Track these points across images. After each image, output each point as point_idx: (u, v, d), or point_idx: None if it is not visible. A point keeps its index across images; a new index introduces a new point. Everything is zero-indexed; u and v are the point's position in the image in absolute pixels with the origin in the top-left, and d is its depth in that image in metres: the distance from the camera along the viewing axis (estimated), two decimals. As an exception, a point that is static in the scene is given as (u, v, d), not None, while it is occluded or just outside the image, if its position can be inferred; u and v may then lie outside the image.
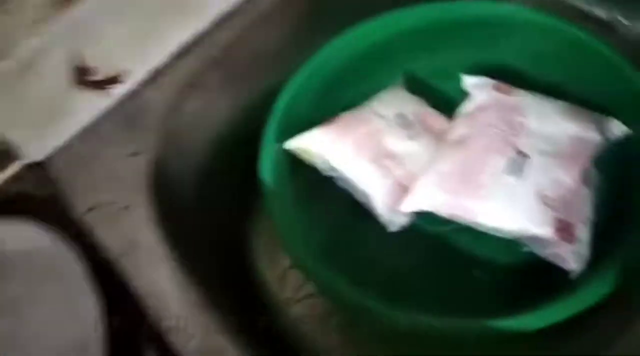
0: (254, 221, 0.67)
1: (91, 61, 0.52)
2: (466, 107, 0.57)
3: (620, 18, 0.70)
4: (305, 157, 0.60)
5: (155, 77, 0.57)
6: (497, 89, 0.57)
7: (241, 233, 0.67)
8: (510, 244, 0.53)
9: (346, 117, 0.61)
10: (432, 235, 0.57)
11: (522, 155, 0.51)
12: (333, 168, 0.59)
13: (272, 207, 0.55)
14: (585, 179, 0.51)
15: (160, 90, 0.57)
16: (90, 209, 0.52)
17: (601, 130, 0.54)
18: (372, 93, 0.66)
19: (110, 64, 0.54)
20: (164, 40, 0.56)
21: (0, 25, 0.46)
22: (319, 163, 0.60)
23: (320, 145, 0.58)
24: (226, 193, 0.64)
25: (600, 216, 0.52)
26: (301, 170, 0.61)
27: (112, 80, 0.55)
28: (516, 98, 0.56)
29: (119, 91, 0.56)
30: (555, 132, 0.53)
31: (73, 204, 0.52)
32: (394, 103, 0.62)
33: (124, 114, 0.56)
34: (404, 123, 0.59)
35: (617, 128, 0.54)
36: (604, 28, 0.70)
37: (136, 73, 0.56)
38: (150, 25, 0.54)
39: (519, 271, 0.54)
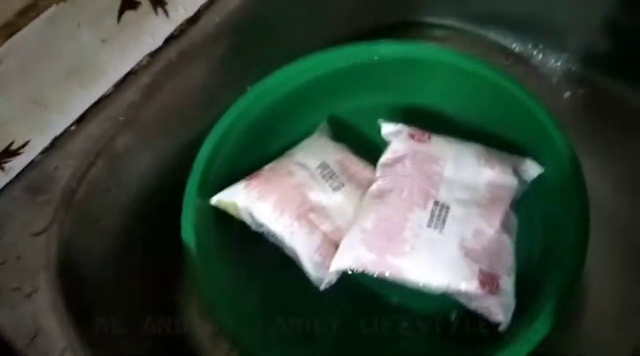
0: (183, 279, 0.65)
1: (-18, 136, 0.48)
2: (385, 157, 0.57)
3: (535, 52, 0.72)
4: (232, 212, 0.58)
5: (57, 146, 0.54)
6: (412, 137, 0.56)
7: (170, 293, 0.65)
8: (442, 296, 0.52)
9: (270, 170, 0.59)
10: (364, 286, 0.56)
11: (442, 206, 0.51)
12: (260, 224, 0.57)
13: (196, 269, 0.53)
14: (505, 227, 0.51)
15: (63, 158, 0.54)
16: (-10, 297, 0.48)
17: (518, 172, 0.54)
18: (297, 139, 0.65)
19: (4, 137, 0.50)
20: (65, 107, 0.53)
21: None
22: (246, 219, 0.58)
23: (245, 200, 0.56)
24: (149, 256, 0.61)
25: (521, 260, 0.52)
26: (228, 226, 0.59)
27: (9, 154, 0.51)
28: (431, 146, 0.55)
29: (17, 164, 0.52)
30: (472, 179, 0.53)
31: (-29, 292, 0.48)
32: (317, 153, 0.61)
33: (25, 188, 0.52)
34: (328, 174, 0.58)
35: (533, 169, 0.55)
36: (522, 61, 0.72)
37: (35, 143, 0.53)
38: (46, 94, 0.51)
39: (450, 323, 0.53)
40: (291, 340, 0.54)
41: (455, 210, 0.50)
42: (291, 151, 0.62)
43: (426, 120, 0.61)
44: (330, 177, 0.58)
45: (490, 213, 0.51)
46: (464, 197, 0.51)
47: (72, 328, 0.46)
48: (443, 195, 0.51)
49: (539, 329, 0.46)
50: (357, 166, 0.60)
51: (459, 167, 0.53)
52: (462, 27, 0.77)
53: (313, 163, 0.59)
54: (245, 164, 0.61)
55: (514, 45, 0.75)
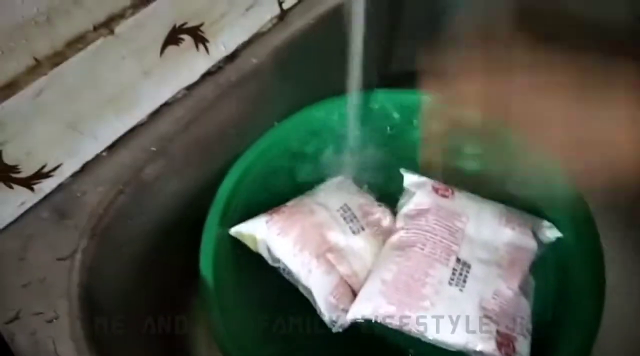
0: (194, 308, 0.65)
1: (16, 158, 0.49)
2: (407, 208, 0.57)
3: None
4: (250, 244, 0.59)
5: (87, 171, 0.55)
6: (436, 191, 0.57)
7: (180, 323, 0.65)
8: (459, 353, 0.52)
9: (292, 207, 0.60)
10: (379, 335, 0.57)
11: (463, 264, 0.52)
12: (277, 259, 0.57)
13: (209, 301, 0.54)
14: (523, 289, 0.51)
15: (92, 184, 0.54)
16: (11, 320, 0.48)
17: (537, 234, 0.55)
18: (317, 177, 0.66)
19: (38, 159, 0.51)
20: (98, 134, 0.54)
21: None
22: (263, 253, 0.58)
23: (265, 234, 0.57)
24: (166, 289, 0.62)
25: (536, 323, 0.53)
26: (246, 260, 0.59)
27: (40, 175, 0.52)
28: (454, 202, 0.56)
29: (46, 186, 0.53)
30: (493, 238, 0.54)
31: (-6, 313, 0.49)
32: (339, 195, 0.61)
33: (53, 211, 0.53)
34: (349, 217, 0.59)
35: (551, 232, 0.55)
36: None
37: (66, 167, 0.53)
38: (82, 121, 0.52)
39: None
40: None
41: (476, 269, 0.51)
42: (314, 190, 0.63)
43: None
44: (351, 220, 0.58)
45: (510, 274, 0.51)
46: (485, 256, 0.52)
47: (90, 359, 0.46)
48: (465, 253, 0.52)
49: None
50: (378, 212, 0.61)
51: (481, 225, 0.54)
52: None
53: (335, 204, 0.60)
54: (265, 199, 0.62)
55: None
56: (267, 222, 0.58)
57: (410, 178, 0.60)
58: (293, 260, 0.56)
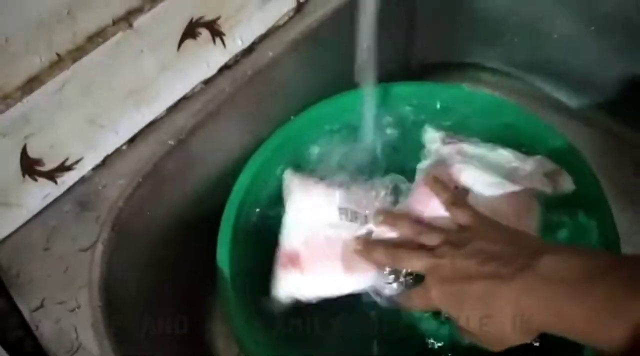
0: (211, 303, 0.66)
1: (40, 151, 0.50)
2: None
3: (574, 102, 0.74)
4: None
5: (108, 164, 0.56)
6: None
7: (197, 317, 0.66)
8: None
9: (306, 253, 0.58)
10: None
11: None
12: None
13: (226, 296, 0.55)
14: None
15: (113, 177, 0.55)
16: (37, 308, 0.49)
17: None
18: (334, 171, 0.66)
19: (61, 152, 0.52)
20: (118, 128, 0.55)
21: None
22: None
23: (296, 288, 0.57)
24: (182, 280, 0.63)
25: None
26: (261, 251, 0.60)
27: (63, 168, 0.53)
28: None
29: (69, 179, 0.54)
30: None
31: (19, 301, 0.50)
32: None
33: (75, 203, 0.54)
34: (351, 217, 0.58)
35: (567, 183, 0.56)
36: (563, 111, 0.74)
37: (88, 160, 0.54)
38: (103, 115, 0.53)
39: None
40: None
41: None
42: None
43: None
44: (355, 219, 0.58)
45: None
46: None
47: (111, 347, 0.47)
48: None
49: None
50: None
51: None
52: (507, 71, 0.79)
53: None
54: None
55: (555, 93, 0.76)
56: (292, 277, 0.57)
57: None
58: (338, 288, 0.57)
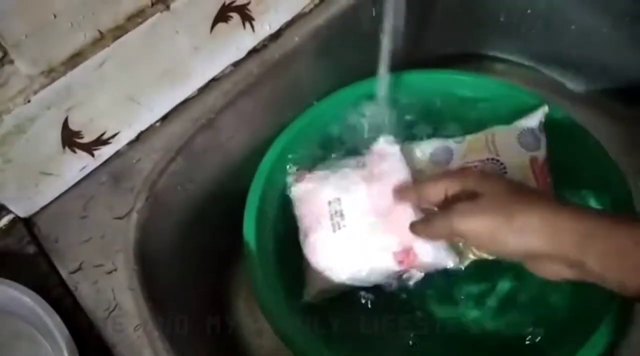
0: (235, 275, 0.69)
1: (80, 124, 0.53)
2: None
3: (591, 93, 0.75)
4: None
5: (142, 139, 0.59)
6: None
7: (222, 287, 0.69)
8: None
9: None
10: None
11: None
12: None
13: (252, 269, 0.57)
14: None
15: (146, 152, 0.58)
16: (75, 270, 0.52)
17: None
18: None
19: (99, 126, 0.55)
20: (153, 105, 0.58)
21: (-6, 94, 0.47)
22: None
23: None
24: (209, 251, 0.66)
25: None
26: (286, 232, 0.62)
27: (100, 142, 0.56)
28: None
29: (105, 152, 0.57)
30: None
31: (58, 264, 0.53)
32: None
33: (111, 175, 0.57)
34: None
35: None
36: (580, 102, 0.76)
37: (123, 135, 0.58)
38: (139, 92, 0.56)
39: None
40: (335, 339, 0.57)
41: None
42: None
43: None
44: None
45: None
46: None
47: (146, 307, 0.50)
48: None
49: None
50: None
51: None
52: (523, 62, 0.81)
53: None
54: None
55: (571, 85, 0.78)
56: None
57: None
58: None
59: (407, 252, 0.54)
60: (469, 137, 0.63)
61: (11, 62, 0.46)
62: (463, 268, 0.57)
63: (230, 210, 0.60)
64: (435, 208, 0.53)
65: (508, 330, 0.59)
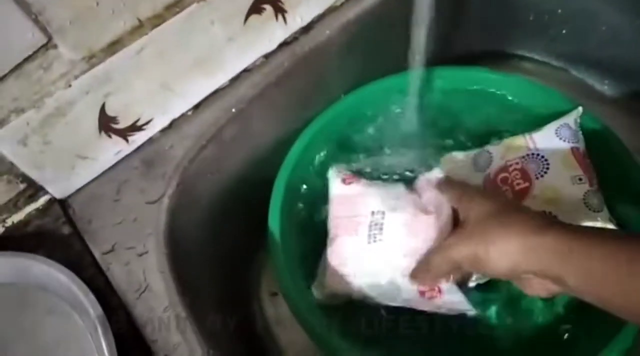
0: (258, 261, 0.70)
1: (116, 110, 0.55)
2: None
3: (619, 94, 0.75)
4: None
5: (175, 127, 0.61)
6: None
7: (246, 273, 0.70)
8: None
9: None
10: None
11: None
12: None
13: (276, 257, 0.58)
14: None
15: (178, 139, 0.60)
16: (107, 251, 0.54)
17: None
18: (378, 149, 0.69)
19: (134, 112, 0.57)
20: (186, 93, 0.59)
21: (36, 78, 0.48)
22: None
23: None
24: (234, 237, 0.67)
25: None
26: (313, 221, 0.64)
27: (134, 128, 0.58)
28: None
29: (139, 138, 0.59)
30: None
31: (91, 245, 0.55)
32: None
33: (143, 161, 0.59)
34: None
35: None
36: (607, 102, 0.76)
37: (157, 122, 0.59)
38: (174, 80, 0.57)
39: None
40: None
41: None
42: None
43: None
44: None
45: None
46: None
47: (175, 289, 0.52)
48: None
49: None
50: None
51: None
52: (551, 62, 0.81)
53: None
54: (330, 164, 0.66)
55: (599, 86, 0.78)
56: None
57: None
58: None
59: (433, 286, 0.54)
60: (506, 139, 0.63)
61: (55, 46, 0.48)
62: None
63: (256, 199, 0.61)
64: None
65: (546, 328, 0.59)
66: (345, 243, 0.57)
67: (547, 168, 0.58)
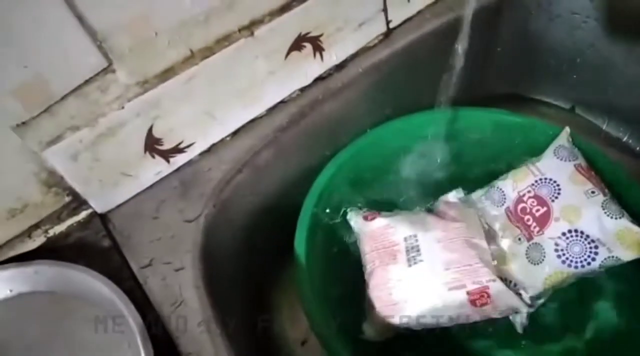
0: (283, 282, 0.73)
1: (162, 132, 0.58)
2: None
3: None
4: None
5: (213, 151, 0.64)
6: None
7: (271, 292, 0.73)
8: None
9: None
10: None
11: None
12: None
13: (301, 279, 0.60)
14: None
15: (217, 163, 0.63)
16: (145, 266, 0.57)
17: None
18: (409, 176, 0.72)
19: (178, 135, 0.60)
20: (226, 120, 0.63)
21: (93, 98, 0.52)
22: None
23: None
24: (262, 257, 0.70)
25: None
26: (336, 247, 0.66)
27: (176, 150, 0.61)
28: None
29: (180, 160, 0.62)
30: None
31: (130, 259, 0.58)
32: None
33: (182, 181, 0.62)
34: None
35: None
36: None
37: (197, 146, 0.63)
38: (217, 108, 0.61)
39: None
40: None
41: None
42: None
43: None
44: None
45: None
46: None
47: (209, 304, 0.54)
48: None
49: None
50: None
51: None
52: (570, 108, 0.85)
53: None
54: (356, 192, 0.70)
55: (615, 133, 0.82)
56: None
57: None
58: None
59: (482, 292, 0.56)
60: (511, 173, 0.67)
61: (113, 71, 0.52)
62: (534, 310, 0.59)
63: (286, 222, 0.64)
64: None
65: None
66: (386, 272, 0.59)
67: (560, 189, 0.61)
